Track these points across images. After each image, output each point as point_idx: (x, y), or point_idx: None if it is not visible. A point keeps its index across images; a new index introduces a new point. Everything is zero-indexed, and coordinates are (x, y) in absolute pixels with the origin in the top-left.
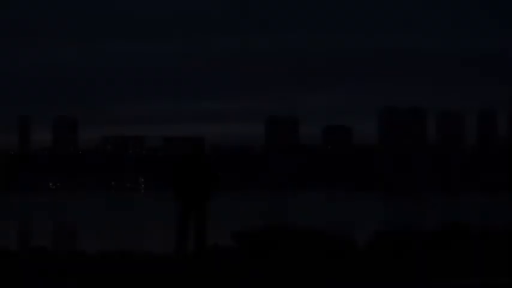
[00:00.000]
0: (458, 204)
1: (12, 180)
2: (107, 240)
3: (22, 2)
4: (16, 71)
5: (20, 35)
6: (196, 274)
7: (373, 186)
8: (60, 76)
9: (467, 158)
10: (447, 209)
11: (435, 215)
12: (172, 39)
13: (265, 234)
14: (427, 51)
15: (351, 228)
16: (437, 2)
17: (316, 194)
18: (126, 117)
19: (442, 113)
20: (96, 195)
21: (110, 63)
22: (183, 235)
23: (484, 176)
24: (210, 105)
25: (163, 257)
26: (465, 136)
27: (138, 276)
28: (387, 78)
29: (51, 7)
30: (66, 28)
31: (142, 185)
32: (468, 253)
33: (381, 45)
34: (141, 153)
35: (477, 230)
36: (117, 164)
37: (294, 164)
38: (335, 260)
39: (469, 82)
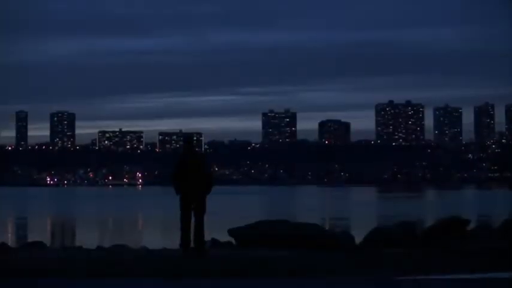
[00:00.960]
0: (455, 199)
1: (10, 175)
2: (106, 235)
3: None
4: (14, 66)
5: (18, 30)
6: (197, 266)
7: (370, 181)
8: (57, 72)
9: (464, 154)
10: (445, 204)
11: (433, 211)
12: (170, 35)
13: (261, 230)
14: (426, 47)
15: (348, 223)
16: None
17: (313, 188)
18: (123, 113)
19: (439, 108)
20: (94, 191)
21: (107, 59)
22: (186, 229)
23: (481, 171)
24: (207, 100)
25: (163, 252)
26: (462, 131)
27: (138, 272)
28: (385, 73)
29: (50, 3)
30: (63, 24)
31: (140, 180)
32: (466, 247)
33: (379, 39)
34: (138, 148)
35: (475, 225)
36: (115, 159)
37: (292, 159)
38: (331, 254)
39: (467, 77)
